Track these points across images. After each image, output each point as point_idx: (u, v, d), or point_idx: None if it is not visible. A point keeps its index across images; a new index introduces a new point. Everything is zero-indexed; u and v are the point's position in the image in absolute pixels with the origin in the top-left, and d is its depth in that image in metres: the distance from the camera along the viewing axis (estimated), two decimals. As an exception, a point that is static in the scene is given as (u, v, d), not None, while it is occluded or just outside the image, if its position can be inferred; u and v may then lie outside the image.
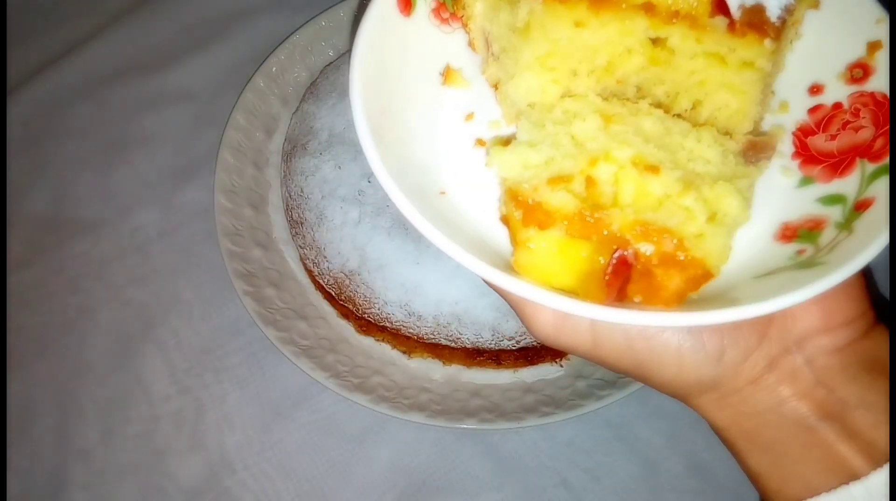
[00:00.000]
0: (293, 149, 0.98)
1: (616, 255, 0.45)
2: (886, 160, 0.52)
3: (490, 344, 0.89)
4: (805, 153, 0.58)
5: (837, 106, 0.57)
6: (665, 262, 0.45)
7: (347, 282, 0.91)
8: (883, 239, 0.46)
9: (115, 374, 0.95)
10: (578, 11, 0.52)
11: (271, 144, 1.06)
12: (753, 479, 0.55)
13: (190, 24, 1.19)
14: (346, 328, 0.96)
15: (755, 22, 0.51)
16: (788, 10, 0.51)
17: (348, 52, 0.60)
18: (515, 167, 0.51)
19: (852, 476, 0.49)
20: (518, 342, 0.89)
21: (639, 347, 0.52)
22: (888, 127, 0.53)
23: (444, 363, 0.94)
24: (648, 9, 0.51)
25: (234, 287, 0.92)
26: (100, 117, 1.12)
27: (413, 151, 0.55)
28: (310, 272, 0.97)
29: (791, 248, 0.52)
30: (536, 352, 0.93)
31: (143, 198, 1.06)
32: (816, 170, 0.57)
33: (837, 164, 0.56)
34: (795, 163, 0.58)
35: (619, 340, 0.52)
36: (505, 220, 0.50)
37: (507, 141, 0.56)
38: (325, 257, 0.92)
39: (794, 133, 0.59)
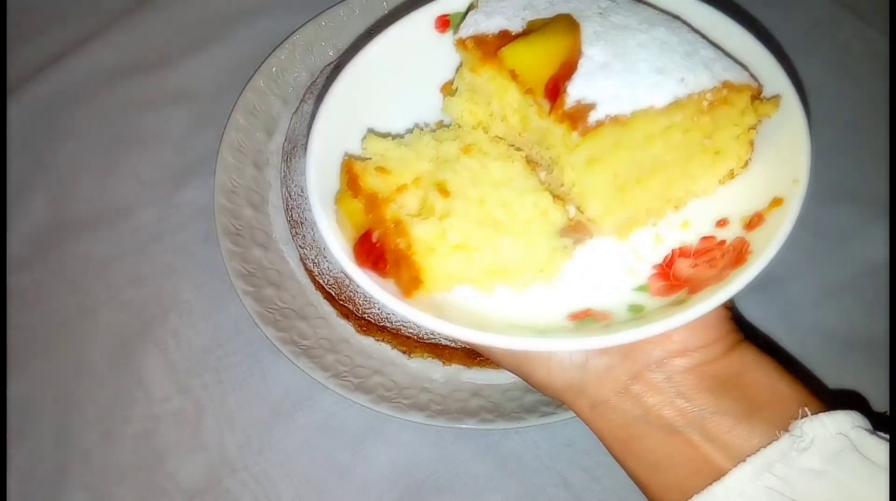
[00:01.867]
0: (293, 149, 0.98)
1: (365, 232, 0.57)
2: (693, 296, 0.56)
3: (490, 344, 0.89)
4: (665, 270, 0.62)
5: (721, 243, 0.61)
6: (401, 257, 0.55)
7: (347, 282, 0.90)
8: (579, 344, 0.54)
9: (115, 374, 0.94)
10: (473, 59, 0.63)
11: (271, 144, 1.06)
12: (640, 488, 0.61)
13: (190, 24, 1.19)
14: (346, 328, 0.96)
15: (575, 115, 0.56)
16: (616, 120, 0.55)
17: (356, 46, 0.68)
18: (377, 152, 0.63)
19: (717, 474, 0.55)
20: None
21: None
22: (725, 271, 0.57)
23: (444, 362, 0.93)
24: (514, 76, 0.60)
25: (234, 287, 0.92)
26: (100, 117, 1.12)
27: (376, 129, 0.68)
28: (310, 272, 0.97)
29: (564, 323, 0.60)
30: (536, 352, 0.93)
31: (143, 198, 1.06)
32: (658, 285, 0.61)
33: (674, 287, 0.60)
34: (650, 272, 0.63)
35: None
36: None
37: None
38: (325, 257, 0.92)
39: (673, 250, 0.63)
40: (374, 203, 0.58)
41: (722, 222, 0.63)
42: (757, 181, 0.63)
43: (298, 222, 0.94)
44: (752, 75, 0.62)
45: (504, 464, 0.89)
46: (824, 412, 0.55)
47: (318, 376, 0.88)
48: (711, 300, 0.53)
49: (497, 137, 0.67)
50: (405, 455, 0.90)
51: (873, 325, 0.95)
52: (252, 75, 1.06)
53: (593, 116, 0.55)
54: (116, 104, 1.13)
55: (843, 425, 0.54)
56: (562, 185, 0.63)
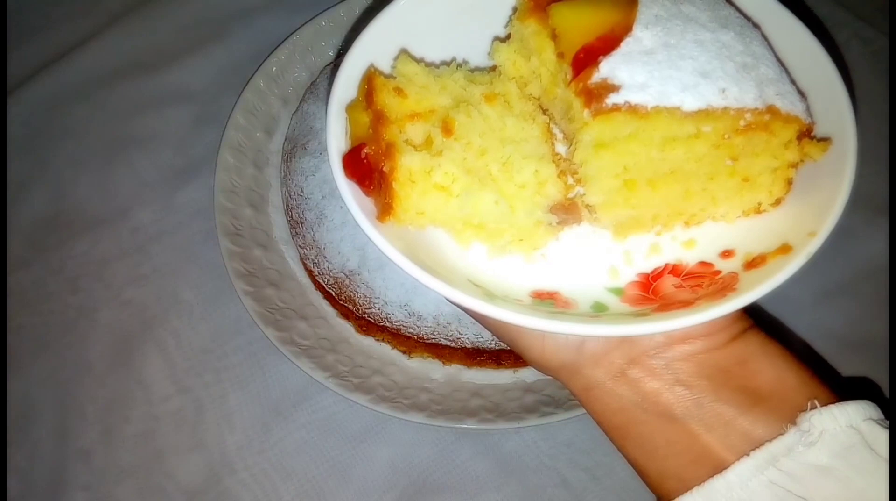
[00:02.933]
0: (293, 149, 0.98)
1: (358, 146, 0.58)
2: (659, 313, 0.54)
3: (490, 344, 0.89)
4: (647, 282, 0.60)
5: (716, 273, 0.58)
6: (384, 180, 0.55)
7: (347, 282, 0.91)
8: (532, 323, 0.51)
9: (115, 374, 0.95)
10: (524, 8, 0.62)
11: (271, 144, 1.06)
12: (637, 473, 0.60)
13: (190, 24, 1.20)
14: (347, 328, 0.96)
15: (594, 93, 0.53)
16: (633, 109, 0.52)
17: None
18: (405, 74, 0.62)
19: (717, 466, 0.53)
20: (518, 341, 0.89)
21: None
22: (700, 301, 0.54)
23: (444, 362, 0.94)
24: (554, 35, 0.58)
25: (234, 287, 0.92)
26: (100, 117, 1.12)
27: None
28: (310, 272, 0.97)
29: (522, 297, 0.58)
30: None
31: (143, 198, 1.06)
32: (633, 293, 0.59)
33: (647, 300, 0.58)
34: (632, 278, 0.60)
35: None
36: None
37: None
38: (325, 257, 0.92)
39: (666, 264, 0.61)
40: (379, 121, 0.57)
41: (727, 253, 0.59)
42: (777, 221, 0.59)
43: (298, 221, 0.94)
44: (807, 109, 0.56)
45: (504, 464, 0.89)
46: (834, 403, 0.53)
47: (318, 376, 0.88)
48: (668, 323, 0.51)
49: (532, 95, 0.65)
50: (405, 454, 0.90)
51: (873, 325, 0.95)
52: (252, 75, 1.06)
53: (611, 99, 0.52)
54: (116, 104, 1.13)
55: (853, 417, 0.52)
56: (572, 163, 0.60)
